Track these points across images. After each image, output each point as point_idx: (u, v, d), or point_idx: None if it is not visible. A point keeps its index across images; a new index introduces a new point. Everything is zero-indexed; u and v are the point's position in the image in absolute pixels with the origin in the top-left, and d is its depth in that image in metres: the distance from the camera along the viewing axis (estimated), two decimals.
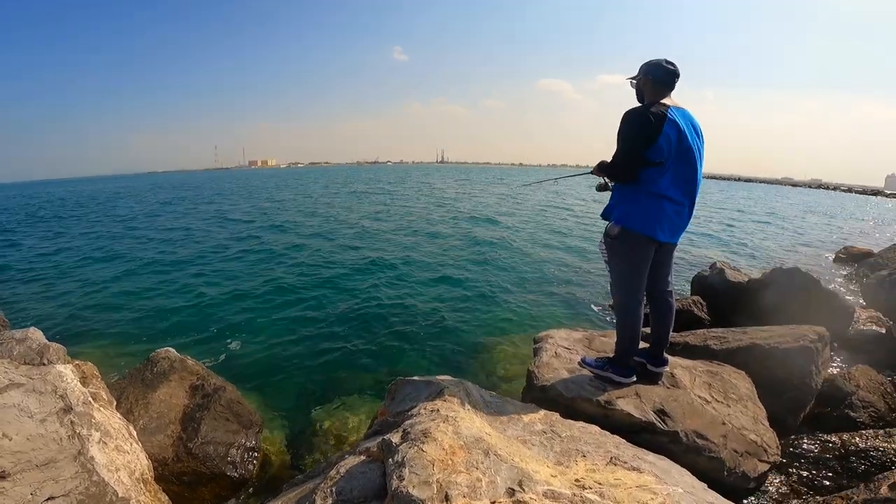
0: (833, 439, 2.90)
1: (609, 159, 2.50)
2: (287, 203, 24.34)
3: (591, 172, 2.67)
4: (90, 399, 2.34)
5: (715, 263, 6.14)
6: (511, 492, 1.46)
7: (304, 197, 27.84)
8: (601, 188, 2.73)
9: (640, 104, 2.47)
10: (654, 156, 2.33)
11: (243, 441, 3.21)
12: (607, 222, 2.57)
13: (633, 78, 2.57)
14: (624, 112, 2.42)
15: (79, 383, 2.37)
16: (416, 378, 2.57)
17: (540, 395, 2.64)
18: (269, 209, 21.30)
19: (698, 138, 2.47)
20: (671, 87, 2.45)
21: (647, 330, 2.79)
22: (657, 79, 2.44)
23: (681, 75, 2.43)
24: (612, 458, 1.84)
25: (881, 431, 2.92)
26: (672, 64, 2.44)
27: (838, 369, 3.88)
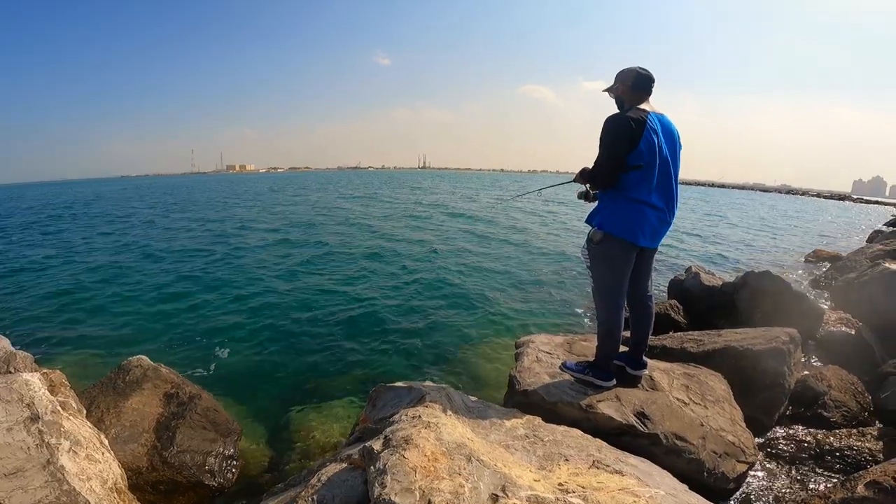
0: (808, 439, 2.97)
1: (590, 166, 2.53)
2: (260, 208, 24.03)
3: (574, 180, 2.70)
4: (59, 408, 2.27)
5: (690, 268, 6.26)
6: (494, 497, 1.46)
7: (289, 204, 27.28)
8: (583, 196, 2.74)
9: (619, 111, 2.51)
10: (634, 160, 2.36)
11: (221, 449, 3.13)
12: (590, 227, 2.60)
13: (609, 88, 2.62)
14: (605, 118, 2.45)
15: (47, 392, 2.29)
16: (397, 384, 2.55)
17: (522, 400, 2.65)
18: (248, 213, 21.01)
19: (676, 144, 2.52)
20: (648, 91, 2.49)
21: (627, 334, 2.82)
22: (634, 85, 2.48)
23: (655, 80, 2.48)
24: (594, 461, 1.85)
25: (854, 430, 3.00)
26: (646, 70, 2.49)
27: (810, 370, 3.97)
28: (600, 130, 2.44)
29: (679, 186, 2.58)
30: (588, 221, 2.63)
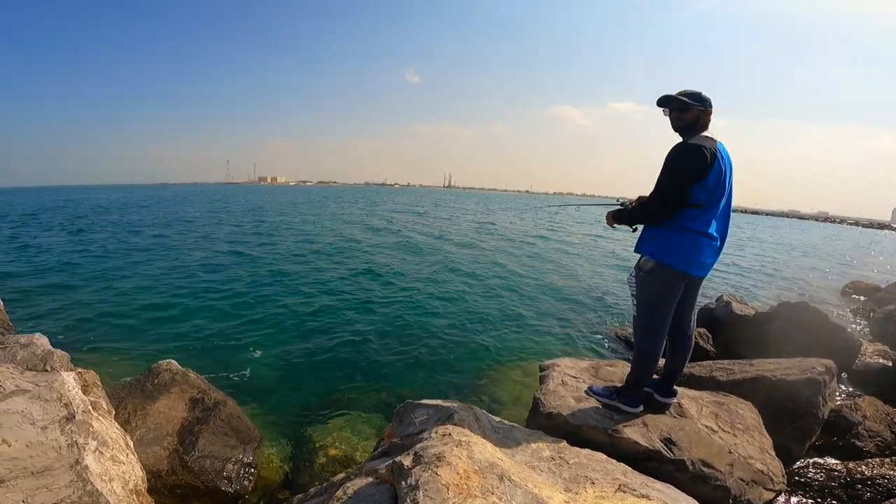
0: (839, 467, 2.91)
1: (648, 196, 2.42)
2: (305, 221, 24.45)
3: (623, 209, 2.56)
4: (90, 408, 2.33)
5: (722, 296, 6.14)
6: None
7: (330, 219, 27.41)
8: (622, 220, 2.57)
9: (683, 138, 2.38)
10: (700, 194, 2.27)
11: (240, 456, 3.15)
12: (640, 256, 2.52)
13: (675, 107, 2.41)
14: (673, 146, 2.32)
15: (80, 392, 2.35)
16: (425, 401, 2.54)
17: (546, 422, 2.62)
18: (288, 226, 21.40)
19: (732, 174, 2.42)
20: (708, 122, 2.39)
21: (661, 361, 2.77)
22: (705, 108, 2.36)
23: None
24: (620, 485, 1.81)
25: (887, 459, 2.93)
26: (707, 97, 2.38)
27: (845, 401, 3.85)
28: (665, 159, 2.30)
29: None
30: (638, 249, 2.53)
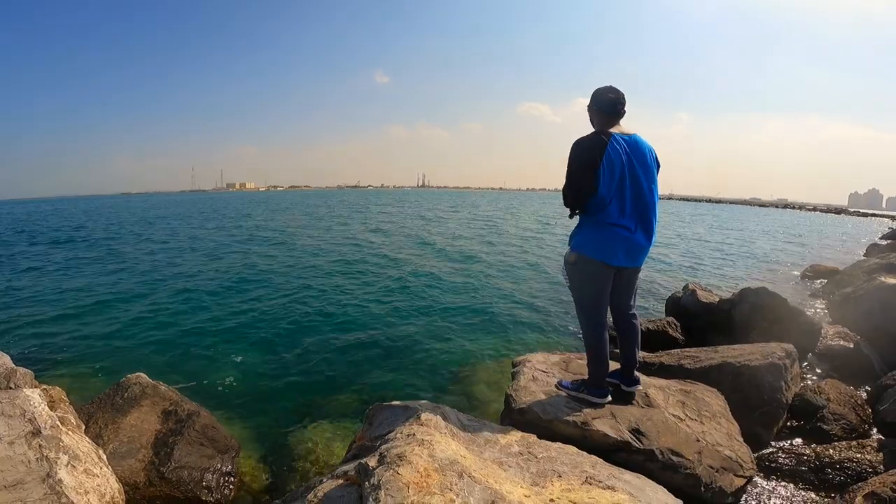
0: (807, 452, 2.97)
1: None
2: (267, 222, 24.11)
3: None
4: (58, 423, 2.31)
5: (687, 285, 6.29)
6: None
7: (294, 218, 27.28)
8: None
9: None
10: (598, 184, 2.39)
11: (219, 466, 3.14)
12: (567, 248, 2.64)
13: (588, 106, 2.61)
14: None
15: (46, 407, 2.32)
16: (393, 403, 2.57)
17: (518, 418, 2.66)
18: (248, 226, 21.09)
19: (649, 164, 2.51)
20: (617, 114, 2.48)
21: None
22: (600, 108, 2.51)
23: (625, 102, 2.48)
24: (587, 477, 1.87)
25: (854, 442, 3.01)
26: (614, 91, 2.49)
27: (809, 384, 3.99)
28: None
29: (658, 204, 2.57)
30: (569, 242, 2.66)
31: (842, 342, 5.07)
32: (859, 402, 3.68)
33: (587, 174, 2.39)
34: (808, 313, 5.25)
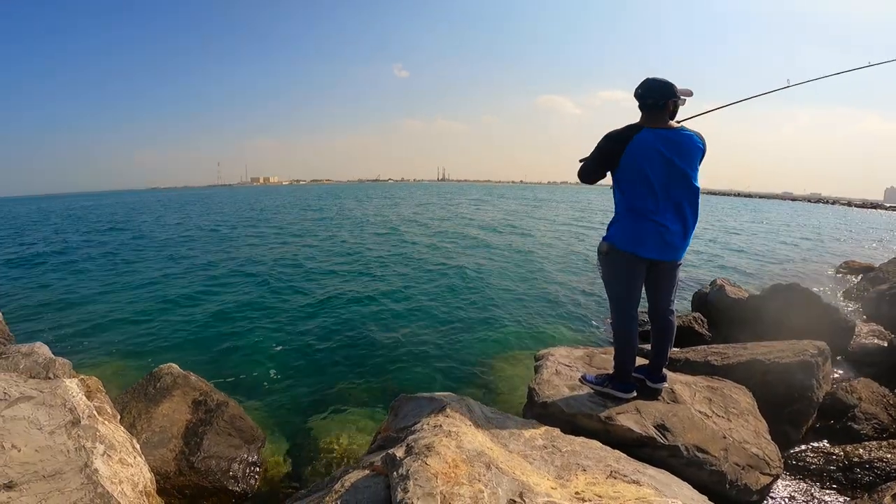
0: (836, 451, 2.90)
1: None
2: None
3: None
4: (95, 412, 2.37)
5: (715, 280, 6.18)
6: (512, 503, 1.48)
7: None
8: None
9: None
10: (619, 174, 2.47)
11: (245, 456, 3.22)
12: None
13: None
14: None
15: (84, 397, 2.40)
16: (418, 395, 2.59)
17: (541, 412, 2.66)
18: (278, 220, 21.37)
19: (688, 156, 2.42)
20: (657, 107, 2.42)
21: (649, 346, 2.81)
22: (640, 104, 2.49)
23: (668, 96, 2.39)
24: (612, 471, 1.86)
25: (885, 442, 2.92)
26: (652, 88, 2.41)
27: (840, 383, 3.89)
28: None
29: (698, 196, 2.49)
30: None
31: (876, 340, 4.94)
32: (892, 401, 3.57)
33: (601, 162, 2.51)
34: (841, 310, 5.11)
